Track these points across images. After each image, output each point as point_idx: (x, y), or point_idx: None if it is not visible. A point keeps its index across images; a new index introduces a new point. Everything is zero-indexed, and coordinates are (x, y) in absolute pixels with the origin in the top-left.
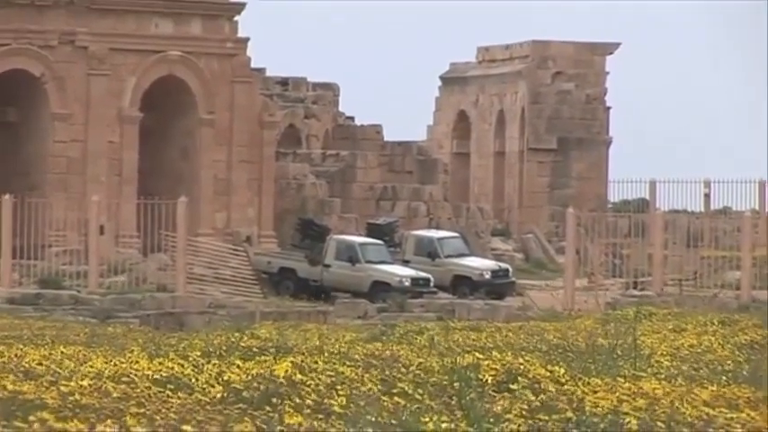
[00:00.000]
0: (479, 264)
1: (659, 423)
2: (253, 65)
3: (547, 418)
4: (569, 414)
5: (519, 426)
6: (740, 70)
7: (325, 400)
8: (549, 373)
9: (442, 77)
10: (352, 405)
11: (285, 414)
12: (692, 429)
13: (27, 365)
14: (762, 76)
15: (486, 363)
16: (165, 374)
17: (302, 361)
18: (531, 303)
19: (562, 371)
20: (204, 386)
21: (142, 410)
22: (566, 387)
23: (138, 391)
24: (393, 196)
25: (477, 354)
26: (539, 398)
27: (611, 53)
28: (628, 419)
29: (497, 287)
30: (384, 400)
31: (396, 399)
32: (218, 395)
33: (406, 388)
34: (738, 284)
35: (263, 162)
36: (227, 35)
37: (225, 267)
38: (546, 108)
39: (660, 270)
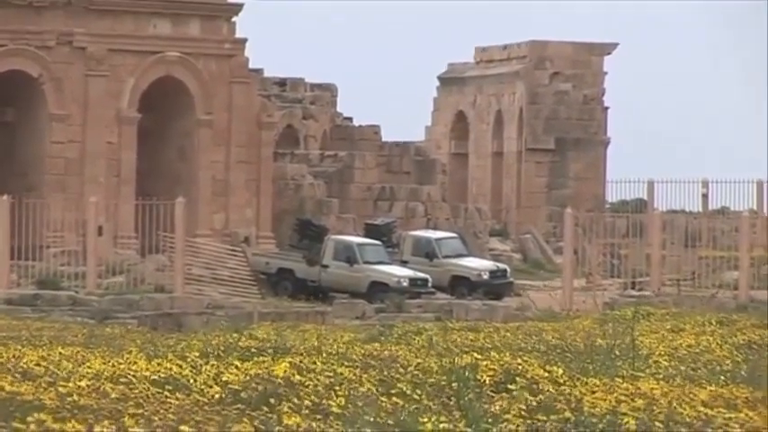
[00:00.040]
0: (477, 264)
1: (657, 423)
2: (251, 66)
3: (545, 418)
4: (567, 414)
5: (517, 426)
6: (740, 70)
7: (324, 401)
8: (547, 374)
9: (439, 78)
10: (350, 405)
11: (283, 414)
12: (690, 429)
13: (25, 366)
14: (762, 76)
15: (485, 363)
16: (163, 375)
17: (300, 361)
18: (530, 303)
19: (560, 371)
20: (202, 387)
21: (140, 411)
22: (564, 387)
23: (137, 391)
24: (391, 197)
25: (475, 354)
26: (537, 398)
27: (608, 53)
28: (626, 420)
29: (495, 287)
30: (382, 401)
31: (394, 399)
32: (217, 396)
33: (405, 388)
34: (736, 284)
35: (261, 163)
36: (225, 36)
37: (223, 268)
38: (544, 108)
39: (658, 270)
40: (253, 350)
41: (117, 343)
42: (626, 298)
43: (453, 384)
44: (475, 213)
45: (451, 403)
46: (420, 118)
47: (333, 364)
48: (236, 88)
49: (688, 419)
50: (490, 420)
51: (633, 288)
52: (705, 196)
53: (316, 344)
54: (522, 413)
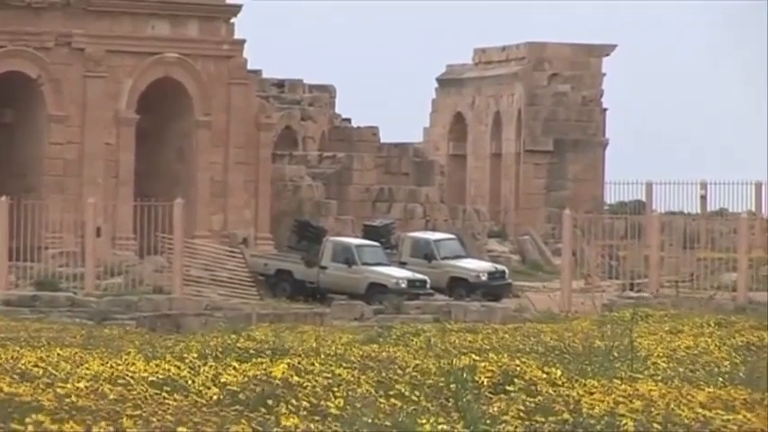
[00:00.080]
0: (476, 265)
1: (656, 425)
2: (249, 67)
3: (543, 419)
4: (566, 416)
5: (515, 427)
6: (740, 70)
7: (322, 402)
8: (545, 375)
9: (438, 79)
10: (348, 407)
11: (281, 416)
12: (688, 431)
13: (23, 367)
14: (762, 76)
15: (483, 364)
16: (161, 376)
17: (299, 363)
18: (529, 305)
19: (559, 372)
20: (200, 388)
21: (138, 412)
22: (562, 389)
23: (135, 392)
24: (389, 198)
25: (473, 355)
26: (535, 399)
27: (607, 55)
28: (624, 421)
29: (494, 289)
30: (381, 402)
31: (392, 400)
32: (215, 397)
33: (403, 390)
34: (735, 286)
35: (260, 164)
36: (223, 37)
37: (221, 269)
38: (542, 110)
39: (656, 272)
40: (251, 351)
41: (115, 344)
42: (624, 299)
43: (452, 386)
44: (473, 215)
45: (450, 404)
46: (418, 119)
47: (331, 366)
48: (234, 89)
49: (686, 421)
50: (488, 422)
51: (632, 289)
52: (703, 198)
53: (314, 345)
54: (521, 414)
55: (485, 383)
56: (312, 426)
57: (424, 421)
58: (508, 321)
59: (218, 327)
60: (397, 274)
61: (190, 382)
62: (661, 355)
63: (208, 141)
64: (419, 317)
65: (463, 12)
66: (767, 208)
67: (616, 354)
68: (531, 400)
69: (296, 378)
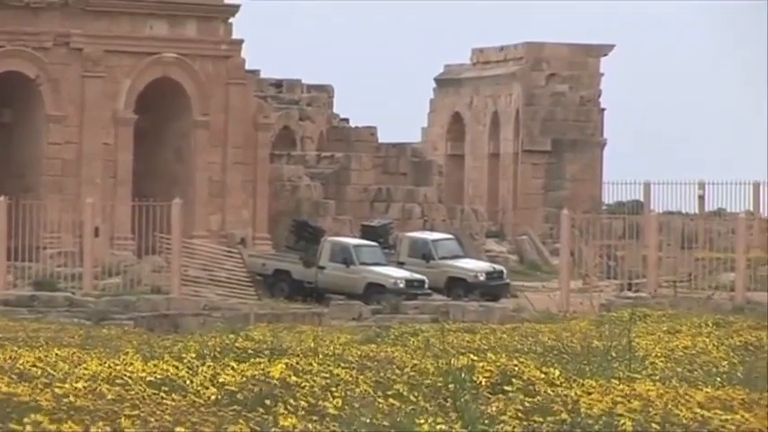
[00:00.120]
0: (474, 265)
1: (654, 425)
2: (247, 67)
3: (541, 419)
4: (564, 416)
5: (513, 427)
6: (740, 70)
7: (320, 402)
8: (543, 375)
9: (436, 79)
10: (346, 407)
11: (279, 416)
12: (686, 431)
13: (21, 367)
14: (762, 76)
15: (481, 364)
16: (159, 376)
17: (297, 363)
18: (527, 304)
19: (557, 372)
20: (198, 388)
21: (136, 412)
22: (560, 389)
23: (133, 393)
24: (387, 198)
25: (471, 355)
26: (533, 399)
27: (605, 55)
28: (622, 421)
29: (492, 289)
30: (379, 402)
31: (390, 400)
32: (213, 397)
33: (401, 390)
34: (733, 286)
35: (258, 164)
36: (221, 37)
37: (219, 269)
38: (540, 110)
39: (654, 272)
40: (249, 351)
41: (113, 344)
42: (622, 299)
43: (450, 386)
44: (471, 215)
45: (448, 405)
46: (416, 119)
47: (329, 366)
48: (232, 89)
49: (684, 421)
50: (486, 422)
51: (630, 289)
52: (701, 198)
53: (312, 345)
54: (519, 415)
55: (483, 383)
56: (310, 426)
57: (422, 421)
58: (506, 321)
59: (217, 327)
60: (395, 274)
61: (188, 382)
62: (659, 355)
63: (206, 141)
64: (417, 317)
65: (461, 12)
66: (765, 208)
67: (614, 354)
68: (530, 400)
69: (294, 378)
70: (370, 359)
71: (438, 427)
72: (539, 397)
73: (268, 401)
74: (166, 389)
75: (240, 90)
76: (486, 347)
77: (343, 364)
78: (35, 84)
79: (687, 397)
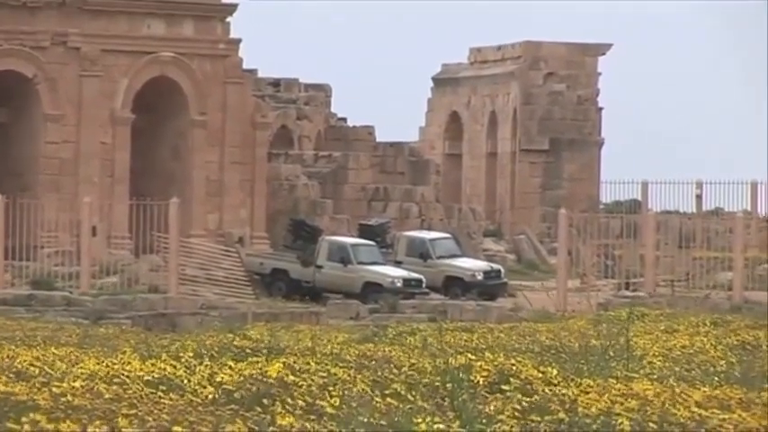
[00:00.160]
0: (471, 265)
1: (651, 424)
2: (245, 66)
3: (539, 419)
4: (561, 415)
5: (511, 427)
6: (740, 70)
7: (318, 401)
8: (541, 374)
9: (433, 78)
10: (344, 406)
11: (277, 415)
12: (683, 430)
13: (19, 366)
14: (762, 76)
15: (479, 364)
16: (157, 375)
17: (294, 362)
18: (525, 303)
19: (554, 372)
20: (196, 387)
21: (134, 411)
22: (558, 388)
23: (130, 392)
24: (385, 197)
25: (469, 355)
26: (531, 399)
27: (603, 54)
28: (620, 420)
29: (489, 288)
30: (376, 401)
31: (388, 400)
32: (210, 396)
33: (399, 389)
34: (730, 285)
35: (256, 163)
36: (219, 36)
37: (217, 268)
38: (538, 109)
39: (652, 271)
40: (247, 351)
41: (111, 343)
42: (620, 299)
43: (447, 385)
44: (469, 214)
45: (445, 404)
46: (414, 118)
47: (327, 365)
48: (230, 88)
49: (682, 420)
50: (484, 421)
51: (627, 289)
52: (699, 197)
53: (310, 344)
54: (516, 414)
55: (480, 383)
56: (308, 425)
57: (419, 420)
58: (504, 320)
59: (214, 326)
60: (392, 273)
61: (185, 381)
62: (657, 354)
63: (203, 140)
64: (415, 316)
65: (459, 11)
66: (763, 207)
67: (612, 353)
68: (527, 399)
69: (291, 377)
70: (368, 358)
71: (435, 426)
72: (536, 396)
73: (265, 401)
74: (164, 388)
75: (238, 89)
76: (483, 347)
77: (340, 364)
78: (32, 83)
79: (685, 396)
